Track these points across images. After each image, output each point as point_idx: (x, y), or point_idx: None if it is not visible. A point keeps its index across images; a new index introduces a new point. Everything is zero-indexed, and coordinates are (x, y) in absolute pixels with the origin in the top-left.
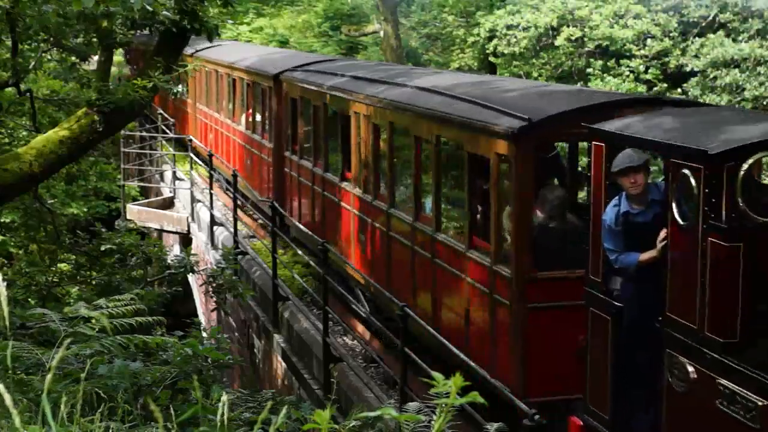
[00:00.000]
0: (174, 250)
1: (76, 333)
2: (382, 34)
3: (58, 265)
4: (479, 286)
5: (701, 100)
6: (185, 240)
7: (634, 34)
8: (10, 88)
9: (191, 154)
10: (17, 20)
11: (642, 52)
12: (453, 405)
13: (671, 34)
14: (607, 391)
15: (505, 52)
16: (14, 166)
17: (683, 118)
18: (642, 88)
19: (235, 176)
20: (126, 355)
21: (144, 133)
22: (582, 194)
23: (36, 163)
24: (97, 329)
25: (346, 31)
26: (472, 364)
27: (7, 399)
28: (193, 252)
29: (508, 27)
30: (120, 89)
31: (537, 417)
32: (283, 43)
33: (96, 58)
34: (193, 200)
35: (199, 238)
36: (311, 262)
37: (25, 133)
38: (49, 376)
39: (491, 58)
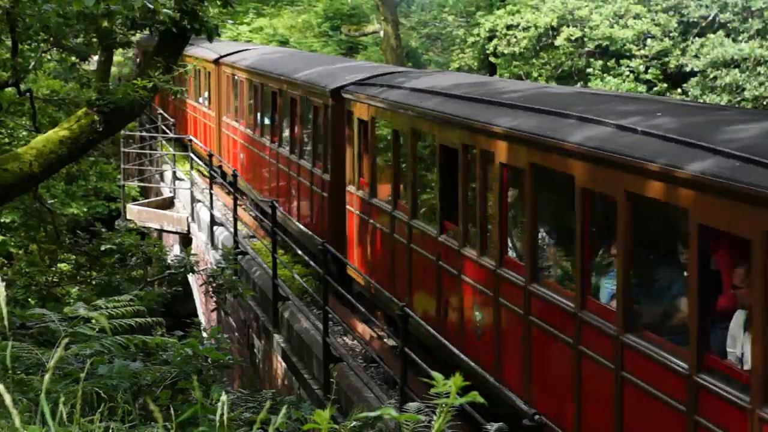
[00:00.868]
0: (174, 250)
1: (76, 333)
2: (382, 34)
3: (58, 265)
4: None
5: (701, 101)
6: (185, 240)
7: (634, 34)
8: (10, 88)
9: (191, 154)
10: (17, 20)
11: (642, 52)
12: (453, 405)
13: (671, 34)
14: None
15: (505, 52)
16: (14, 166)
17: None
18: (642, 88)
19: (235, 176)
20: (126, 355)
21: (144, 133)
22: None
23: (36, 163)
24: (96, 329)
25: (346, 31)
26: (473, 364)
27: (7, 399)
28: (193, 252)
29: (508, 27)
30: (120, 89)
31: (537, 417)
32: (283, 43)
33: (96, 58)
34: (193, 200)
35: (199, 238)
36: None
37: (25, 133)
38: (47, 376)
39: (491, 58)
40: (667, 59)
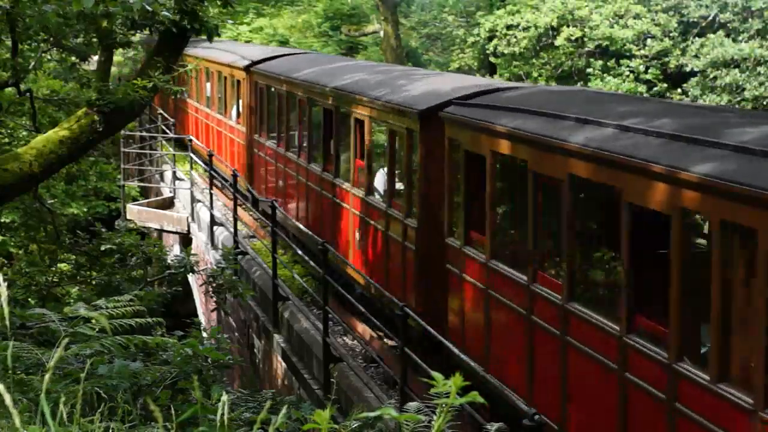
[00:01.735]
0: (174, 250)
1: (76, 333)
2: (382, 34)
3: (58, 265)
4: None
5: (701, 101)
6: (185, 240)
7: (634, 34)
8: (10, 88)
9: (191, 154)
10: (17, 20)
11: (642, 52)
12: (453, 405)
13: (671, 34)
14: None
15: (505, 52)
16: (14, 166)
17: None
18: (642, 88)
19: (235, 176)
20: (126, 355)
21: (144, 133)
22: None
23: (36, 163)
24: (97, 329)
25: (346, 31)
26: (473, 364)
27: (7, 399)
28: (193, 252)
29: (508, 27)
30: (120, 89)
31: (537, 417)
32: (283, 43)
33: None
34: (193, 200)
35: (199, 238)
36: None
37: (25, 133)
38: (47, 376)
39: (491, 58)
40: (667, 59)
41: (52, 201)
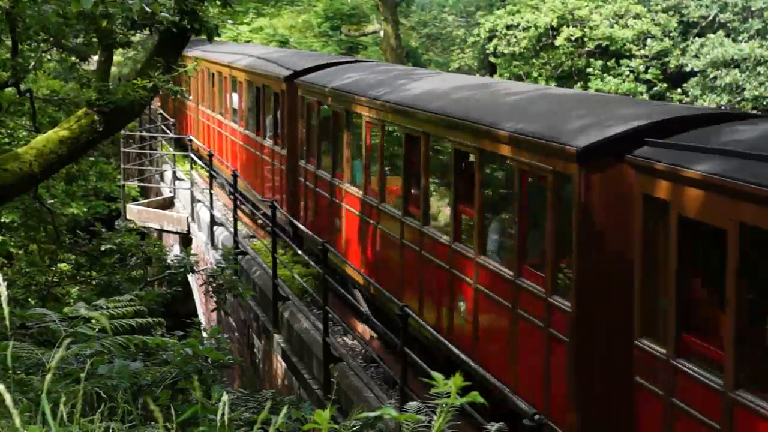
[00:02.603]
0: (174, 250)
1: (77, 333)
2: (382, 34)
3: (58, 265)
4: None
5: (701, 100)
6: (185, 240)
7: (634, 34)
8: (10, 88)
9: (191, 154)
10: (17, 20)
11: (642, 52)
12: (453, 405)
13: (671, 34)
14: None
15: (505, 52)
16: (14, 166)
17: None
18: (642, 88)
19: (235, 176)
20: (126, 355)
21: (144, 133)
22: None
23: (36, 163)
24: (97, 329)
25: (346, 31)
26: (473, 364)
27: (8, 399)
28: (193, 252)
29: (508, 27)
30: (120, 89)
31: (537, 417)
32: (283, 43)
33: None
34: (193, 200)
35: (199, 238)
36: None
37: (25, 133)
38: (48, 376)
39: (491, 58)
40: (667, 59)
41: (52, 201)
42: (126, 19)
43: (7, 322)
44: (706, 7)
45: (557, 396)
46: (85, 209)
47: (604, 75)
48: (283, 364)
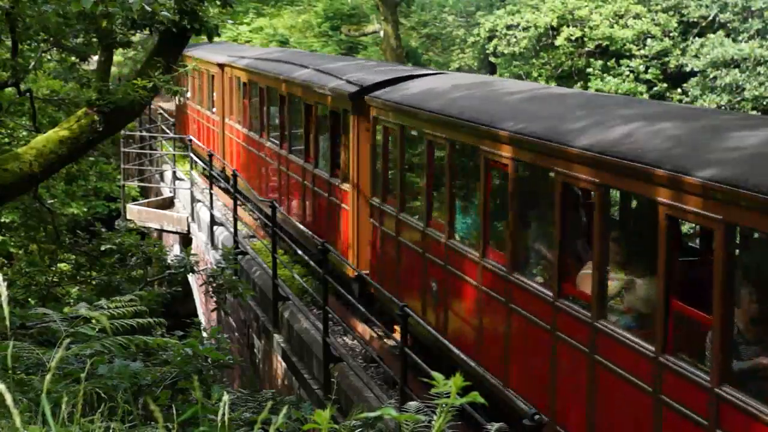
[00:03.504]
0: (174, 250)
1: (77, 333)
2: (382, 34)
3: (58, 265)
4: None
5: (701, 100)
6: (185, 240)
7: (634, 34)
8: (10, 88)
9: (191, 155)
10: (17, 20)
11: (642, 52)
12: (453, 405)
13: (671, 34)
14: None
15: (505, 52)
16: (14, 166)
17: None
18: (642, 88)
19: (235, 176)
20: (126, 355)
21: (144, 133)
22: None
23: (36, 163)
24: (97, 329)
25: (346, 31)
26: (473, 364)
27: (8, 399)
28: (193, 252)
29: (508, 27)
30: (120, 89)
31: (537, 417)
32: (283, 43)
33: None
34: (193, 200)
35: (199, 238)
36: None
37: (25, 133)
38: (48, 377)
39: (491, 58)
40: (667, 59)
41: (52, 201)
42: (126, 19)
43: (7, 322)
44: (706, 7)
45: None
46: (85, 209)
47: (604, 75)
48: (283, 364)
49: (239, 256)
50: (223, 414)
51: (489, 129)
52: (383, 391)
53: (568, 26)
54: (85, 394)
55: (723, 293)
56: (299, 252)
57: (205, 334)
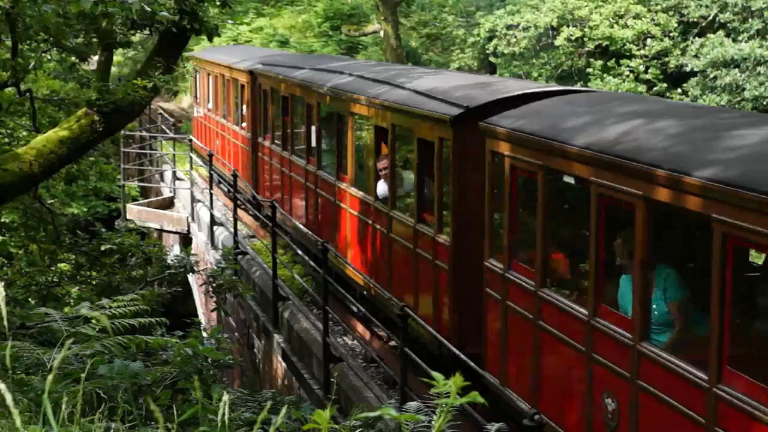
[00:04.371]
0: (174, 250)
1: (77, 333)
2: (382, 34)
3: (58, 265)
4: None
5: (701, 100)
6: (185, 240)
7: (634, 34)
8: (10, 88)
9: (191, 155)
10: (17, 20)
11: (642, 52)
12: (453, 405)
13: (671, 34)
14: None
15: (505, 52)
16: (14, 166)
17: None
18: (642, 88)
19: (235, 176)
20: (126, 356)
21: (144, 133)
22: None
23: (36, 163)
24: (97, 329)
25: (346, 31)
26: (473, 364)
27: (8, 398)
28: (193, 252)
29: (508, 27)
30: (120, 89)
31: (537, 417)
32: (283, 43)
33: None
34: (193, 200)
35: (199, 238)
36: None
37: (25, 133)
38: (50, 377)
39: (491, 58)
40: (667, 59)
41: (52, 201)
42: (126, 19)
43: (5, 322)
44: (706, 7)
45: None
46: (85, 209)
47: (604, 75)
48: (283, 364)
49: (239, 256)
50: (223, 414)
51: (723, 188)
52: (383, 391)
53: (568, 26)
54: (85, 394)
55: None
56: (299, 252)
57: (205, 334)
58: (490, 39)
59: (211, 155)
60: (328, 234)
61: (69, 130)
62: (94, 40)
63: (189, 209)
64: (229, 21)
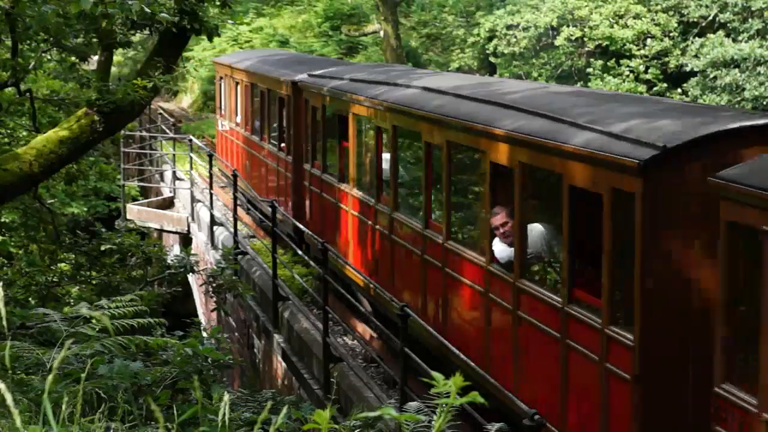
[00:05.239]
0: (174, 250)
1: (77, 333)
2: (382, 34)
3: (58, 265)
4: None
5: (701, 101)
6: (185, 240)
7: (634, 34)
8: (10, 88)
9: (191, 155)
10: (17, 20)
11: (642, 52)
12: (453, 405)
13: (671, 34)
14: None
15: (505, 52)
16: (14, 166)
17: None
18: (642, 88)
19: (235, 176)
20: (126, 356)
21: (144, 133)
22: None
23: (36, 163)
24: (97, 329)
25: (346, 31)
26: (473, 365)
27: (8, 398)
28: (193, 252)
29: (508, 27)
30: (120, 89)
31: (537, 417)
32: (283, 43)
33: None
34: (193, 200)
35: (199, 238)
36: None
37: (25, 133)
38: (50, 377)
39: (491, 58)
40: (667, 59)
41: (52, 201)
42: (126, 19)
43: (4, 322)
44: (706, 7)
45: None
46: (85, 209)
47: (604, 75)
48: (283, 364)
49: (239, 256)
50: (223, 414)
51: None
52: (383, 391)
53: (568, 26)
54: (85, 394)
55: None
56: (299, 252)
57: (205, 334)
58: (490, 39)
59: (235, 175)
60: (423, 306)
61: (69, 130)
62: (94, 40)
63: (189, 209)
64: (229, 21)
